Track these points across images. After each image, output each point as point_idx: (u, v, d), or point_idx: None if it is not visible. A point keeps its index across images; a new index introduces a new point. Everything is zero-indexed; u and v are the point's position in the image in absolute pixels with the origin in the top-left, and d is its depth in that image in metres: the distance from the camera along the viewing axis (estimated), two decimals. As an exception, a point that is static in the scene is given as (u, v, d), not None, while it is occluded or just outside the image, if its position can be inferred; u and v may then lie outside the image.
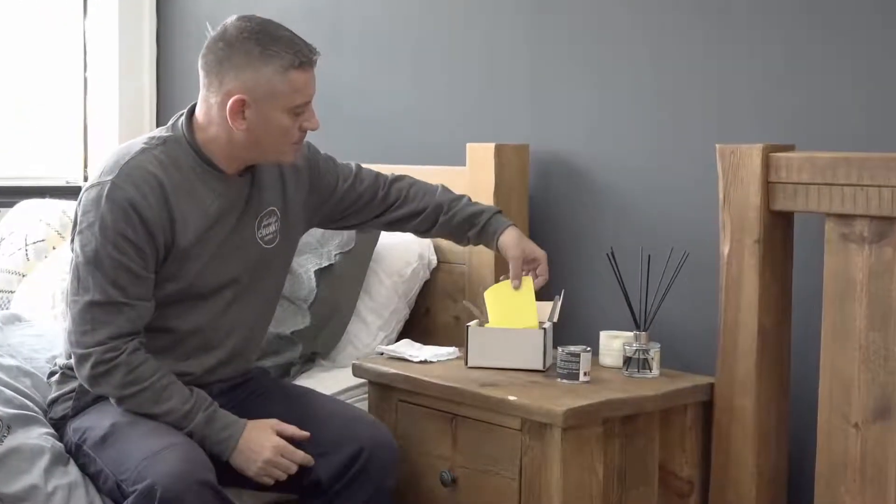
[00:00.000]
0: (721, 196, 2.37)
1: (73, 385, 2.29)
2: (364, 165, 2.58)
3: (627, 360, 2.48)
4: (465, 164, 2.89)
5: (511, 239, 2.50)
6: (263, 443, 2.19)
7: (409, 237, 2.98)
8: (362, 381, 2.64)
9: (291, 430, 2.23)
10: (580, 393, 2.30)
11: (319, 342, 2.78)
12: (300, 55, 2.17)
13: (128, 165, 2.17)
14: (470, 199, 2.57)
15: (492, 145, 2.82)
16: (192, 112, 2.27)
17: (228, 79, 2.17)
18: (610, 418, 2.28)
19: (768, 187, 2.31)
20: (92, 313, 2.15)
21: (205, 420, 2.17)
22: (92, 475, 2.19)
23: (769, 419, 2.36)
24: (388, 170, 3.13)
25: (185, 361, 2.26)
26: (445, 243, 2.96)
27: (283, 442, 2.20)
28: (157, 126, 4.05)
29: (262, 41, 2.16)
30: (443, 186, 2.59)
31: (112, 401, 2.20)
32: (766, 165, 2.30)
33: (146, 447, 2.08)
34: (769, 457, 2.37)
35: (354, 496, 2.24)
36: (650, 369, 2.46)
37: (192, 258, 2.22)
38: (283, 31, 2.20)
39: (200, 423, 2.17)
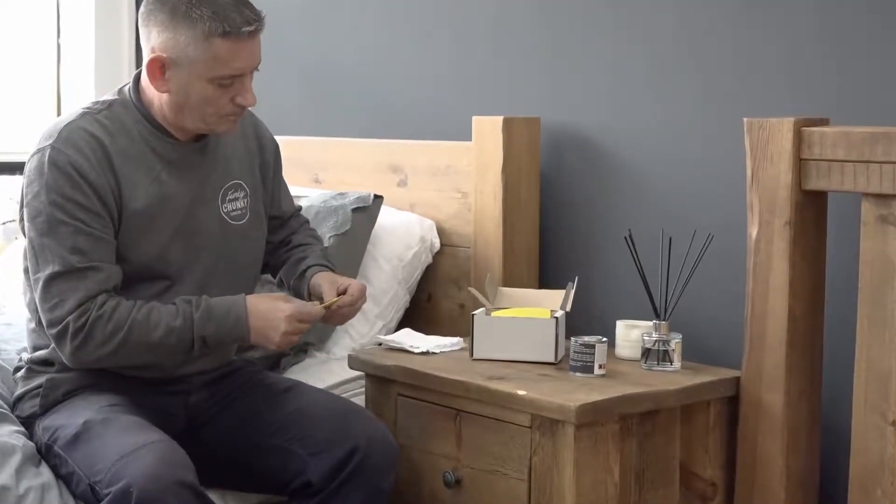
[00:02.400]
0: (749, 174, 2.37)
1: (39, 381, 2.29)
2: (360, 140, 2.58)
3: (646, 352, 2.48)
4: (470, 139, 2.89)
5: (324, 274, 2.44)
6: (276, 314, 2.21)
7: (412, 217, 2.99)
8: (359, 373, 2.64)
9: (297, 301, 2.27)
10: (595, 387, 2.30)
11: (312, 331, 2.78)
12: (227, 23, 2.16)
13: (67, 128, 2.21)
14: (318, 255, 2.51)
15: (500, 118, 2.82)
16: (139, 75, 2.30)
17: (153, 35, 2.21)
18: (627, 415, 2.28)
19: (800, 165, 2.31)
20: (56, 286, 2.16)
21: (204, 318, 2.20)
22: (64, 477, 2.20)
23: (799, 416, 2.37)
24: (387, 145, 3.14)
25: None
26: (449, 225, 2.97)
27: (294, 307, 2.23)
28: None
29: (191, 1, 2.16)
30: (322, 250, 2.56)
31: (111, 361, 2.20)
32: (798, 141, 2.30)
33: (121, 446, 2.08)
34: (799, 457, 2.37)
35: (348, 498, 2.25)
36: (671, 362, 2.46)
37: (150, 229, 2.23)
38: None
39: (203, 324, 2.19)
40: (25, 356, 2.36)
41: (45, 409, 2.28)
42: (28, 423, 2.30)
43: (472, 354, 2.53)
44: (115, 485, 2.03)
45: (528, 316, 2.53)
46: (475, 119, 2.89)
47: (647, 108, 2.73)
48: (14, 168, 3.62)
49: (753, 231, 2.36)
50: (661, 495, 2.37)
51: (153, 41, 2.20)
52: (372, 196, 2.93)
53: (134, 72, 4.06)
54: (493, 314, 2.57)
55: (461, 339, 2.68)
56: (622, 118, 2.78)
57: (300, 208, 2.63)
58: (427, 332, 2.76)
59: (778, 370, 2.34)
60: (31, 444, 2.25)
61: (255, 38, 2.21)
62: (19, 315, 2.81)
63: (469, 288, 2.74)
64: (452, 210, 2.96)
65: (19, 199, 2.25)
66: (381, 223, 2.95)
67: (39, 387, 2.29)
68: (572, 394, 2.24)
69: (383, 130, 3.26)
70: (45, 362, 2.31)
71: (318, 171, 3.29)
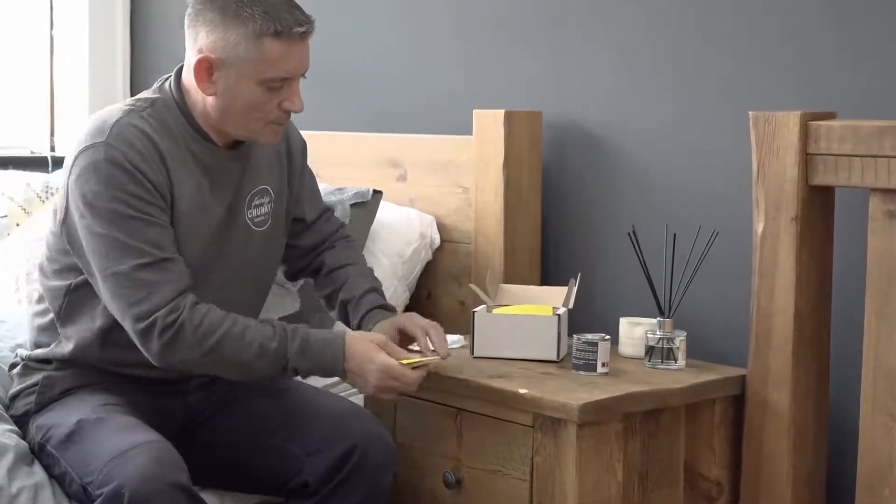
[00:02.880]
0: (754, 169, 2.37)
1: (36, 378, 2.30)
2: (358, 134, 2.58)
3: (650, 350, 2.48)
4: (471, 133, 2.89)
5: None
6: (366, 366, 2.20)
7: (411, 213, 2.99)
8: (358, 372, 2.65)
9: (399, 352, 2.25)
10: (598, 386, 2.31)
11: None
12: (280, 23, 2.15)
13: (117, 125, 2.17)
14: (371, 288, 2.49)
15: (501, 112, 2.82)
16: (180, 72, 2.28)
17: (201, 36, 2.19)
18: (631, 414, 2.29)
19: (807, 159, 2.31)
20: (140, 278, 2.13)
21: (300, 352, 2.19)
22: (57, 477, 2.20)
23: (806, 415, 2.37)
24: (386, 139, 3.14)
25: None
26: (449, 221, 2.97)
27: (386, 362, 2.20)
28: (132, 90, 4.07)
29: (242, 0, 2.16)
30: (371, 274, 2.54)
31: (198, 366, 2.19)
32: (805, 135, 2.30)
33: (113, 446, 2.08)
34: (806, 456, 2.38)
35: (346, 498, 2.25)
36: (675, 360, 2.46)
37: (187, 238, 2.22)
38: None
39: (297, 358, 2.19)
40: (23, 352, 2.36)
41: (41, 407, 2.28)
42: (22, 421, 2.31)
43: (472, 352, 2.54)
44: (107, 485, 2.03)
45: (529, 313, 2.54)
46: (476, 113, 2.89)
47: (651, 102, 2.73)
48: (6, 163, 3.62)
49: (759, 227, 2.37)
50: (665, 495, 2.38)
51: (201, 41, 2.19)
52: (371, 191, 2.93)
53: (129, 64, 4.11)
54: (495, 311, 2.57)
55: (461, 337, 2.68)
56: (626, 112, 2.78)
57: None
58: (427, 330, 2.77)
59: (784, 368, 2.35)
60: (24, 443, 2.25)
61: (305, 40, 2.20)
62: (10, 313, 2.82)
63: (470, 285, 2.74)
64: (453, 205, 2.97)
65: (65, 193, 2.20)
66: (380, 219, 2.95)
67: (35, 384, 2.29)
68: (575, 392, 2.25)
69: (382, 124, 3.27)
70: (44, 360, 2.31)
71: (316, 165, 3.28)
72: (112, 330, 2.23)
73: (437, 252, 3.00)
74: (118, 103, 2.27)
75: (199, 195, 2.24)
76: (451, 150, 2.97)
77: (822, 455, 2.42)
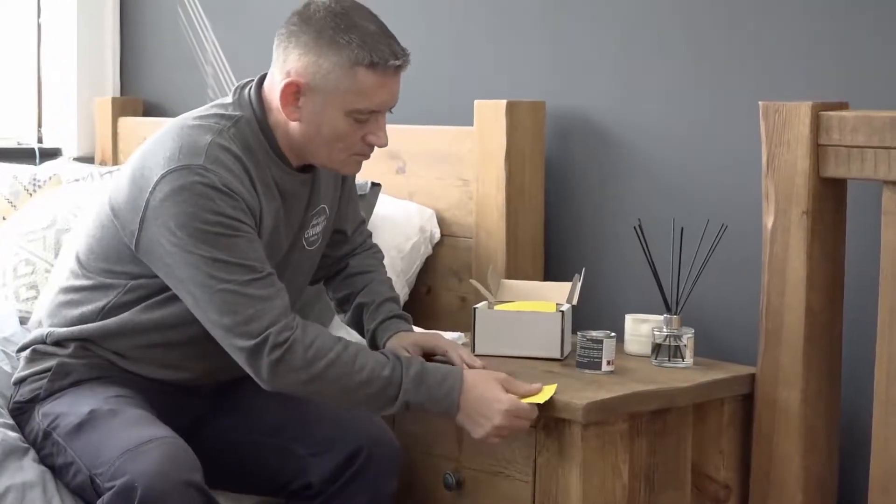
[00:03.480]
0: (764, 161, 2.37)
1: (48, 364, 2.28)
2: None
3: (657, 348, 2.48)
4: (472, 124, 2.89)
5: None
6: (492, 405, 2.15)
7: (410, 207, 2.99)
8: (356, 370, 2.65)
9: (521, 386, 2.21)
10: (603, 384, 2.31)
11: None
12: (376, 54, 2.14)
13: (212, 147, 2.14)
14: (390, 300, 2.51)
15: (503, 102, 2.82)
16: (260, 84, 2.26)
17: (291, 58, 2.17)
18: (637, 413, 2.29)
19: (818, 151, 2.31)
20: (250, 293, 2.10)
21: (415, 382, 2.15)
22: (59, 467, 2.20)
23: (817, 414, 2.37)
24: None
25: (197, 361, 2.29)
26: (450, 214, 2.97)
27: (514, 401, 2.16)
28: (122, 79, 4.07)
29: (339, 26, 2.15)
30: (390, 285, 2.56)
31: (304, 389, 2.15)
32: (816, 126, 2.30)
33: (127, 439, 2.08)
34: (817, 457, 2.38)
35: (350, 501, 2.26)
36: (682, 358, 2.46)
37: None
38: (368, 23, 2.18)
39: (411, 388, 2.14)
40: (38, 332, 2.34)
41: (49, 394, 2.27)
42: (26, 407, 2.29)
43: (473, 350, 2.54)
44: (118, 479, 2.03)
45: (532, 310, 2.54)
46: (477, 103, 2.89)
47: (658, 92, 2.73)
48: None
49: (769, 221, 2.37)
50: (672, 498, 2.38)
51: (291, 64, 2.17)
52: (369, 184, 2.93)
53: (119, 53, 4.10)
54: (496, 308, 2.57)
55: (462, 334, 2.68)
56: (631, 102, 2.78)
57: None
58: (427, 327, 2.76)
59: (795, 367, 2.34)
60: (13, 436, 2.25)
61: (399, 73, 2.20)
62: (-1, 308, 2.83)
63: (471, 280, 2.74)
64: (453, 199, 2.97)
65: (141, 208, 2.15)
66: (379, 212, 2.95)
67: (48, 370, 2.28)
68: (579, 391, 2.25)
69: (380, 115, 3.26)
70: (58, 343, 2.29)
71: (311, 157, 3.29)
72: (151, 329, 2.25)
73: (437, 247, 3.00)
74: (193, 116, 2.23)
75: (277, 221, 2.24)
76: (451, 141, 2.97)
77: (834, 456, 2.42)
